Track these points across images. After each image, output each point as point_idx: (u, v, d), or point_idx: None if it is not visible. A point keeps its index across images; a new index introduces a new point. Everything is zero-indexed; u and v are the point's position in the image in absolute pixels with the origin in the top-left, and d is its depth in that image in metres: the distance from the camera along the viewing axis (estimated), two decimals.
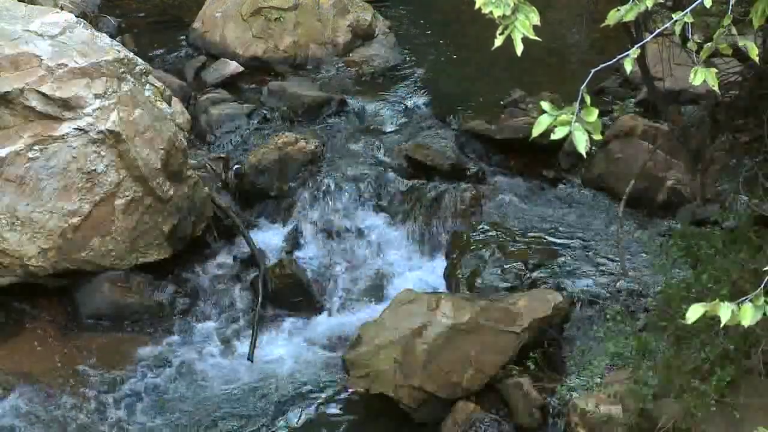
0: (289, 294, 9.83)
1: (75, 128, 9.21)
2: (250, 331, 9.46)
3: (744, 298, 3.89)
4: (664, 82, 8.13)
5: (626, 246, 9.18)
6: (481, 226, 10.16)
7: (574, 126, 3.87)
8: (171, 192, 9.68)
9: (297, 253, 10.29)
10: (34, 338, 9.31)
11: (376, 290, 10.03)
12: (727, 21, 4.13)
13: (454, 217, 10.40)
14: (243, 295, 9.86)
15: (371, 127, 11.71)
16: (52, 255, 9.35)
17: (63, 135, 9.19)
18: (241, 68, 12.65)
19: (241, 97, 12.17)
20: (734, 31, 4.17)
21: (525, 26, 4.02)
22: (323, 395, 8.93)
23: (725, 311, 3.88)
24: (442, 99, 12.25)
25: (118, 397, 8.82)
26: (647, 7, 4.11)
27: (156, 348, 9.34)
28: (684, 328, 6.75)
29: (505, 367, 8.43)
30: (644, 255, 9.50)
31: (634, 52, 4.10)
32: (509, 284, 9.40)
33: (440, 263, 10.08)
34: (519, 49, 4.04)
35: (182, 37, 13.41)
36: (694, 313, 3.94)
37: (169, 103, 10.15)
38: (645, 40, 4.67)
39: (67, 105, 9.21)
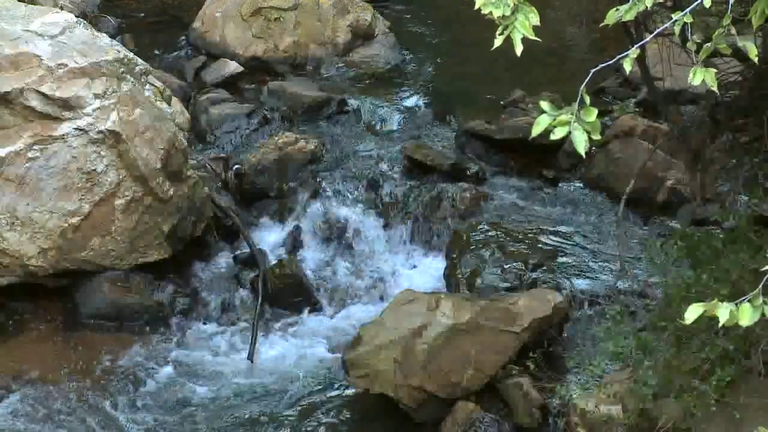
0: (289, 294, 9.83)
1: (75, 128, 9.21)
2: (250, 331, 9.46)
3: (742, 298, 3.89)
4: (664, 82, 8.13)
5: (626, 246, 9.17)
6: (481, 226, 10.16)
7: (573, 126, 3.87)
8: (171, 192, 9.68)
9: (297, 253, 10.29)
10: (34, 338, 9.31)
11: (376, 290, 10.03)
12: (726, 21, 4.13)
13: (454, 217, 10.40)
14: (243, 295, 9.86)
15: (371, 127, 11.71)
16: (52, 255, 9.35)
17: (63, 135, 9.19)
18: (241, 68, 12.64)
19: (241, 97, 12.17)
20: (734, 31, 4.17)
21: (525, 26, 4.03)
22: (323, 395, 8.93)
23: (724, 311, 3.88)
24: (442, 99, 12.25)
25: (118, 397, 8.81)
26: (647, 7, 4.11)
27: (156, 348, 9.34)
28: (684, 328, 6.74)
29: (505, 367, 8.43)
30: (644, 255, 9.50)
31: (633, 52, 4.11)
32: (509, 284, 9.40)
33: (440, 263, 10.08)
34: (519, 49, 4.05)
35: (182, 37, 13.41)
36: (693, 313, 3.93)
37: (169, 103, 10.15)
38: (645, 41, 4.67)
39: (67, 105, 9.21)
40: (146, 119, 9.52)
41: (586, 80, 3.94)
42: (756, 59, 4.22)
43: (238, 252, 10.19)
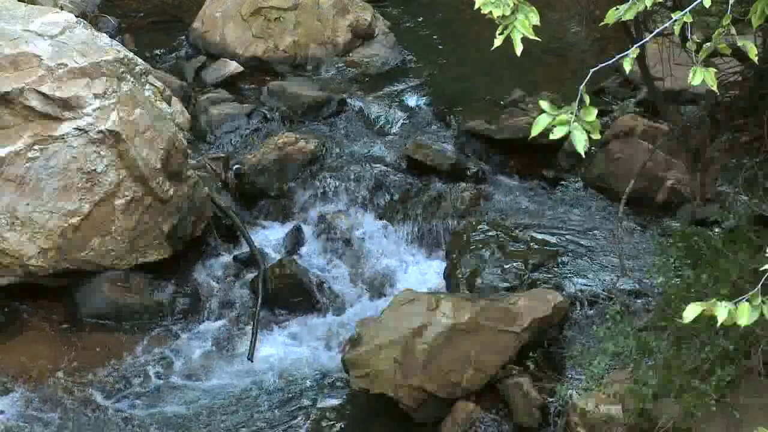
0: (289, 294, 9.83)
1: (75, 128, 9.21)
2: (250, 331, 9.46)
3: (741, 297, 3.88)
4: (664, 82, 8.13)
5: (626, 246, 9.17)
6: (481, 226, 10.16)
7: (572, 126, 3.87)
8: (171, 192, 9.68)
9: (297, 253, 10.29)
10: (34, 338, 9.32)
11: (376, 290, 10.03)
12: (726, 21, 4.13)
13: (454, 217, 10.40)
14: (243, 295, 9.86)
15: (371, 127, 11.71)
16: (52, 255, 9.35)
17: (63, 135, 9.20)
18: (241, 68, 12.65)
19: (241, 97, 12.17)
20: (733, 31, 4.17)
21: (524, 26, 4.03)
22: (323, 395, 8.93)
23: (722, 311, 3.87)
24: (442, 99, 12.25)
25: (118, 397, 8.82)
26: (647, 7, 4.11)
27: (156, 348, 9.34)
28: (684, 327, 6.74)
29: (505, 366, 8.44)
30: (644, 255, 9.50)
31: (633, 51, 4.11)
32: (509, 284, 9.40)
33: (440, 263, 10.08)
34: (519, 49, 4.05)
35: (182, 37, 13.41)
36: (691, 312, 3.93)
37: (169, 103, 10.16)
38: (645, 40, 4.67)
39: (67, 105, 9.21)
40: (146, 119, 9.52)
41: (586, 80, 3.94)
42: (756, 59, 4.22)
43: (238, 252, 10.19)
